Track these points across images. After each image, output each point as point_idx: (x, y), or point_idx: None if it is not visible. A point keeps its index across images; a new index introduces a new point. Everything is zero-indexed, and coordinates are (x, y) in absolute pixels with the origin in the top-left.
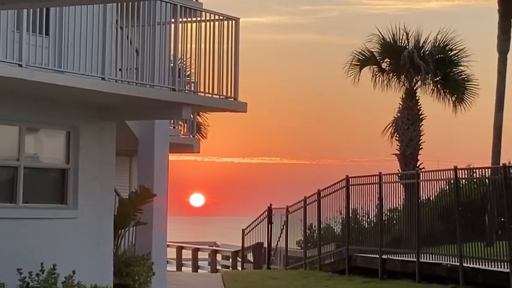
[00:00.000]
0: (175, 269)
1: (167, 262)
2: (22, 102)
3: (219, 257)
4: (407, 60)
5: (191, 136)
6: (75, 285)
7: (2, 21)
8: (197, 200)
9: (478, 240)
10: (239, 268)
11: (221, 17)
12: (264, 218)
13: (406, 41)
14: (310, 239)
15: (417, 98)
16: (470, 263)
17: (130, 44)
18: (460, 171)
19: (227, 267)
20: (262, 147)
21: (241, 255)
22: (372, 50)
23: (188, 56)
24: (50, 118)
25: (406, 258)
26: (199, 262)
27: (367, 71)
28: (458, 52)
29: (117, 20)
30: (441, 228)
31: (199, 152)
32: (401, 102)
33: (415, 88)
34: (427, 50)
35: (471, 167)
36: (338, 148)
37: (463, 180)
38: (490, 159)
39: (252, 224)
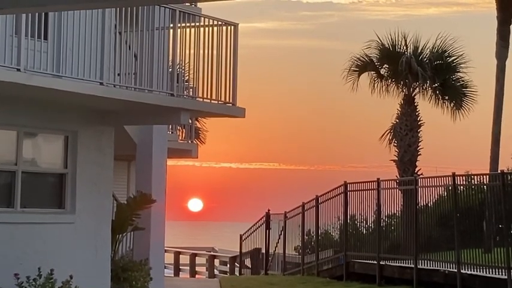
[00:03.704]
0: (172, 275)
1: (165, 267)
2: (20, 106)
3: (216, 262)
4: (405, 66)
5: (189, 141)
6: None
7: (1, 26)
8: (195, 205)
9: (476, 247)
10: (237, 273)
11: (220, 23)
12: (262, 224)
13: (404, 47)
14: (308, 245)
15: (416, 104)
16: (468, 270)
17: (129, 49)
18: (458, 177)
19: (225, 272)
20: (261, 152)
21: (239, 260)
22: (371, 56)
23: (187, 61)
24: (48, 123)
25: (404, 265)
26: (197, 267)
27: (365, 77)
28: (456, 58)
29: (115, 25)
30: (439, 235)
31: (197, 157)
32: (399, 108)
33: (413, 94)
34: (426, 56)
35: (469, 173)
36: (336, 154)
37: (461, 187)
38: (488, 166)
39: (250, 229)
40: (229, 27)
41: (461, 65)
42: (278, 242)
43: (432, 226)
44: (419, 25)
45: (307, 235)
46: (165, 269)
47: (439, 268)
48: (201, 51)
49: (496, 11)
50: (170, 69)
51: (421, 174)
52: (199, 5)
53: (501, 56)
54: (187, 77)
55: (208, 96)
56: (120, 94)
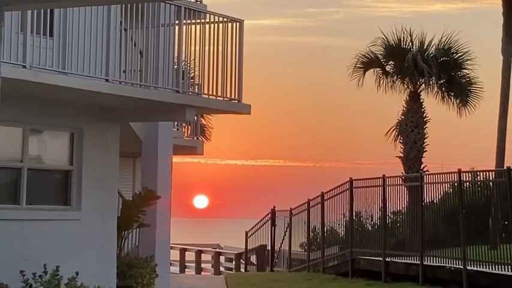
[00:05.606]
0: (178, 271)
1: (170, 264)
2: (26, 103)
3: (222, 259)
4: (411, 63)
5: (195, 138)
6: (78, 287)
7: (6, 23)
8: (201, 201)
9: (481, 243)
10: (242, 270)
11: (225, 19)
12: (268, 220)
13: (410, 44)
14: (314, 242)
15: (421, 100)
16: (474, 266)
17: (135, 45)
18: (464, 174)
19: (230, 269)
20: (266, 149)
21: (245, 257)
22: (376, 52)
23: (192, 57)
24: (54, 119)
25: (410, 261)
26: (202, 264)
27: (371, 74)
28: (462, 55)
29: (121, 22)
30: (445, 231)
31: (202, 154)
32: (405, 105)
33: (419, 91)
34: (432, 53)
35: (475, 169)
36: (342, 151)
37: (467, 183)
38: (494, 162)
39: (255, 226)
40: (234, 24)
41: (467, 62)
42: (283, 238)
43: (438, 223)
44: (425, 22)
45: (312, 232)
46: (171, 266)
47: (444, 265)
48: (207, 48)
49: (501, 7)
50: (176, 66)
51: (427, 170)
52: (204, 1)
53: (507, 52)
54: (192, 74)
55: (214, 93)
56: (126, 91)
